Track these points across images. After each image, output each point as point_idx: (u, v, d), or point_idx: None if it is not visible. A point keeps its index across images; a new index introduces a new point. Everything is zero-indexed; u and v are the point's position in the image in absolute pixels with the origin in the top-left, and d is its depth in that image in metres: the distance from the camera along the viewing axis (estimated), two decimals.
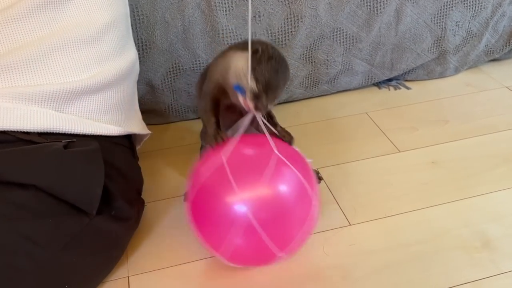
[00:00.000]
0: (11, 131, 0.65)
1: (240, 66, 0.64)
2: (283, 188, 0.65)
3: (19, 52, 0.68)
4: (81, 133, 0.70)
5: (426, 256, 0.76)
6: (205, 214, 0.66)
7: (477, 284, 0.71)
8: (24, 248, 0.57)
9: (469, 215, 0.84)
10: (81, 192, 0.63)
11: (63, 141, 0.66)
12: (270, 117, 0.74)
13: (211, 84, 0.73)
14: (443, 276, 0.73)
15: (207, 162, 0.67)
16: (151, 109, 1.07)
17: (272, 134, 0.69)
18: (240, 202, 0.62)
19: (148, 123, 1.10)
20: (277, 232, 0.64)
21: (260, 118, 0.66)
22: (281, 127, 0.73)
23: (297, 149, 0.73)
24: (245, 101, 0.65)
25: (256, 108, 0.64)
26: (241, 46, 0.67)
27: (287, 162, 0.65)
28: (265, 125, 0.66)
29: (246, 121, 0.68)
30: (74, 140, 0.68)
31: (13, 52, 0.68)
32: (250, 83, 0.63)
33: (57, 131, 0.68)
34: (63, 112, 0.70)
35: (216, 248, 0.67)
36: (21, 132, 0.66)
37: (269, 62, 0.63)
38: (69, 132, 0.69)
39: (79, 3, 0.74)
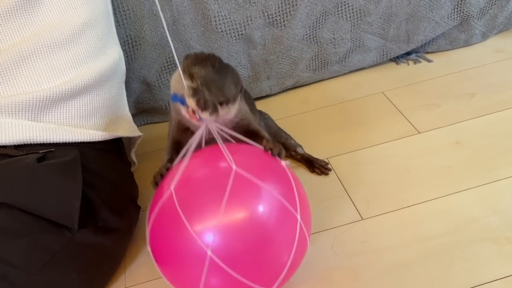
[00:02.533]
0: None
1: (173, 78, 0.59)
2: (253, 210, 0.52)
3: None
4: (61, 142, 0.66)
5: (448, 250, 0.68)
6: (167, 260, 0.56)
7: (508, 281, 0.63)
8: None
9: (498, 200, 0.74)
10: (58, 206, 0.60)
11: (40, 151, 0.63)
12: (253, 134, 0.63)
13: (171, 122, 0.67)
14: (468, 272, 0.64)
15: (155, 199, 0.57)
16: (150, 108, 1.02)
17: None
18: (199, 239, 0.50)
19: (149, 122, 1.07)
20: (255, 267, 0.53)
21: (212, 126, 0.55)
22: (269, 140, 0.61)
23: (283, 162, 0.60)
24: (187, 111, 0.55)
25: (199, 104, 0.53)
26: None
27: (250, 177, 0.52)
28: (221, 135, 0.56)
29: (196, 136, 0.56)
30: (53, 149, 0.64)
31: None
32: (184, 82, 0.55)
33: (35, 142, 0.65)
34: (39, 121, 0.66)
35: None
36: None
37: (203, 61, 0.56)
38: (47, 142, 0.65)
39: (50, 4, 0.70)
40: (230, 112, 0.58)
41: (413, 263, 0.67)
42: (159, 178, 0.59)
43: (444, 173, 0.81)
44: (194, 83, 0.55)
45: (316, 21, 0.99)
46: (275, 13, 0.94)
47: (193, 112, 0.54)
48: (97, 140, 0.70)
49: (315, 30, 1.00)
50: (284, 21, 0.96)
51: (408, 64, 1.14)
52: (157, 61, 0.95)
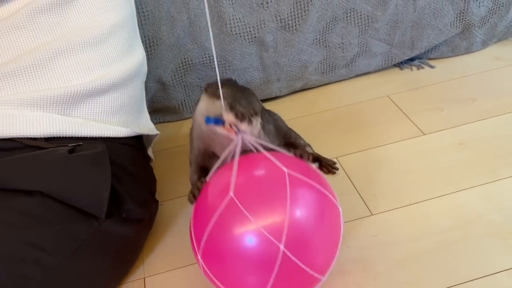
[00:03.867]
0: (17, 137, 0.65)
1: (201, 104, 0.65)
2: (311, 206, 0.57)
3: (23, 59, 0.67)
4: (88, 136, 0.69)
5: (455, 244, 0.71)
6: (227, 267, 0.57)
7: None
8: (32, 256, 0.56)
9: (502, 198, 0.78)
10: (88, 196, 0.62)
11: (69, 145, 0.66)
12: (291, 144, 0.71)
13: (194, 151, 0.71)
14: (474, 265, 0.68)
15: (208, 206, 0.59)
16: (164, 107, 1.05)
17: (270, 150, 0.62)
18: (271, 236, 0.53)
19: (162, 121, 1.10)
20: (315, 256, 0.57)
21: (247, 138, 0.59)
22: (302, 150, 0.67)
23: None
24: (225, 127, 0.59)
25: (237, 116, 0.58)
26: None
27: (301, 177, 0.57)
28: (260, 146, 0.60)
29: (231, 147, 0.60)
30: (81, 143, 0.67)
31: (17, 59, 0.67)
32: (222, 101, 0.59)
33: (64, 135, 0.67)
34: (69, 116, 0.69)
35: None
36: (27, 138, 0.65)
37: (226, 83, 0.62)
38: (76, 136, 0.68)
39: (82, 7, 0.73)
40: (258, 125, 0.62)
41: (422, 256, 0.70)
42: (197, 192, 0.62)
43: (449, 173, 0.85)
44: (227, 100, 0.59)
45: (326, 26, 1.03)
46: (288, 17, 0.98)
47: (230, 126, 0.58)
48: (121, 136, 0.73)
49: (325, 34, 1.04)
50: (296, 25, 1.00)
51: (412, 70, 1.18)
52: (173, 61, 0.98)
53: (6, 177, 0.59)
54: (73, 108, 0.70)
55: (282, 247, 0.53)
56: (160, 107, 1.06)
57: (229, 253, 0.56)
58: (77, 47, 0.71)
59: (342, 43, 1.06)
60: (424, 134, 0.95)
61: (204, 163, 0.70)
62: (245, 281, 0.57)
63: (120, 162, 0.70)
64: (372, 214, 0.79)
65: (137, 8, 0.91)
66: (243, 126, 0.58)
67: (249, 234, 0.54)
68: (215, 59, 0.57)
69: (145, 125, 0.81)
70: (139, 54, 0.82)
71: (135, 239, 0.71)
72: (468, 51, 1.19)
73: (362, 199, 0.82)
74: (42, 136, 0.66)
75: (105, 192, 0.63)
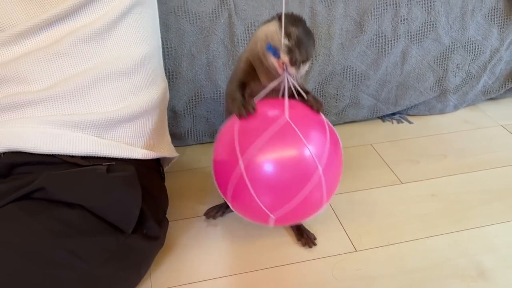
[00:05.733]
0: (58, 154, 0.72)
1: (272, 29, 0.69)
2: (334, 145, 0.72)
3: (66, 84, 0.75)
4: (119, 157, 0.77)
5: (426, 283, 0.83)
6: (270, 175, 0.68)
7: None
8: (69, 261, 0.63)
9: (466, 246, 0.91)
10: (121, 212, 0.70)
11: (103, 164, 0.73)
12: (304, 90, 0.75)
13: (240, 64, 0.76)
14: None
15: (259, 123, 0.69)
16: (171, 133, 1.13)
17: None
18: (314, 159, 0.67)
19: None
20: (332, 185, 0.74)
21: (290, 79, 0.68)
22: (311, 95, 0.74)
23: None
24: (278, 62, 0.67)
25: (291, 62, 0.65)
26: (268, 20, 0.73)
27: (330, 125, 0.74)
28: (295, 89, 0.69)
29: (276, 82, 0.70)
30: (114, 163, 0.75)
31: (61, 84, 0.75)
32: (283, 39, 0.66)
33: (98, 155, 0.75)
34: (103, 138, 0.77)
35: (273, 210, 0.70)
36: (67, 155, 0.73)
37: (298, 22, 0.68)
38: (108, 156, 0.76)
39: (118, 37, 0.81)
40: (305, 69, 0.71)
41: None
42: (252, 110, 0.70)
43: (422, 219, 0.97)
44: (289, 42, 0.66)
45: (325, 79, 1.16)
46: None
47: (281, 64, 0.67)
48: (147, 158, 0.81)
49: (323, 85, 1.17)
50: None
51: (392, 123, 1.33)
52: (187, 93, 1.08)
53: (52, 189, 0.66)
54: (107, 132, 0.78)
55: (320, 168, 0.67)
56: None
57: (277, 170, 0.67)
58: (113, 75, 0.79)
59: (337, 94, 1.20)
60: (402, 183, 1.08)
61: (245, 79, 0.75)
62: (281, 191, 0.69)
63: (144, 183, 0.78)
64: (356, 251, 0.90)
65: (162, 44, 1.00)
66: (292, 69, 0.67)
67: (299, 152, 0.67)
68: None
69: (166, 148, 0.90)
70: (163, 84, 0.91)
71: (150, 254, 0.79)
72: (442, 112, 1.35)
73: (348, 236, 0.93)
74: (80, 155, 0.74)
75: (136, 210, 0.71)
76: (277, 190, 0.68)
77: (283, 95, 0.70)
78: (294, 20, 0.68)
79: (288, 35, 0.67)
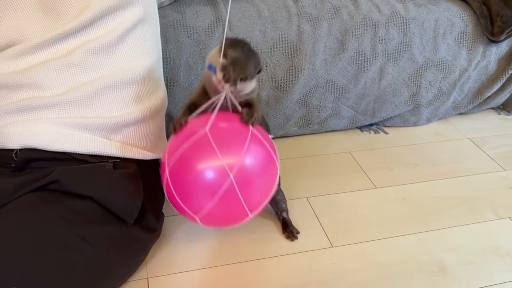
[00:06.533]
0: (69, 152, 0.81)
1: (214, 51, 0.76)
2: (256, 157, 0.73)
3: (77, 91, 0.83)
4: (122, 157, 0.86)
5: (394, 276, 0.93)
6: (186, 181, 0.72)
7: None
8: (80, 246, 0.72)
9: (430, 244, 1.01)
10: (125, 205, 0.79)
11: (109, 161, 0.82)
12: (248, 105, 0.78)
13: (196, 87, 0.83)
14: None
15: (185, 135, 0.73)
16: (168, 135, 1.23)
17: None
18: (225, 168, 0.69)
19: None
20: (251, 196, 0.73)
21: (229, 93, 0.72)
22: (248, 110, 0.76)
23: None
24: (217, 80, 0.72)
25: (225, 78, 0.70)
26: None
27: (260, 138, 0.75)
28: (232, 102, 0.73)
29: (214, 98, 0.73)
30: (118, 160, 0.84)
31: (72, 91, 0.83)
32: (220, 59, 0.72)
33: (104, 154, 0.84)
34: (109, 139, 0.85)
35: (196, 212, 0.73)
36: (77, 153, 0.81)
37: (237, 45, 0.73)
38: (113, 156, 0.84)
39: (124, 51, 0.88)
40: (247, 87, 0.75)
41: (369, 282, 0.91)
42: (178, 127, 0.75)
43: (393, 221, 1.08)
44: (225, 61, 0.71)
45: (309, 91, 1.26)
46: (281, 79, 1.21)
47: (219, 81, 0.72)
48: (147, 158, 0.90)
49: (307, 97, 1.27)
50: (286, 86, 1.23)
51: (370, 133, 1.44)
52: (183, 100, 1.17)
53: (66, 182, 0.74)
54: (113, 134, 0.86)
55: (232, 176, 0.70)
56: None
57: (192, 176, 0.71)
58: (118, 84, 0.87)
59: (319, 105, 1.30)
60: (376, 188, 1.19)
61: (197, 100, 0.80)
62: (197, 195, 0.72)
63: (143, 180, 0.87)
64: (332, 246, 1.00)
65: (162, 55, 1.09)
66: (227, 86, 0.71)
67: (210, 160, 0.71)
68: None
69: (163, 150, 0.98)
70: (163, 92, 1.00)
71: (148, 244, 0.88)
72: (415, 124, 1.47)
73: (326, 233, 1.03)
74: (88, 153, 0.82)
75: (139, 203, 0.80)
76: (193, 194, 0.72)
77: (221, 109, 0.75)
78: (234, 43, 0.75)
79: (225, 55, 0.74)
